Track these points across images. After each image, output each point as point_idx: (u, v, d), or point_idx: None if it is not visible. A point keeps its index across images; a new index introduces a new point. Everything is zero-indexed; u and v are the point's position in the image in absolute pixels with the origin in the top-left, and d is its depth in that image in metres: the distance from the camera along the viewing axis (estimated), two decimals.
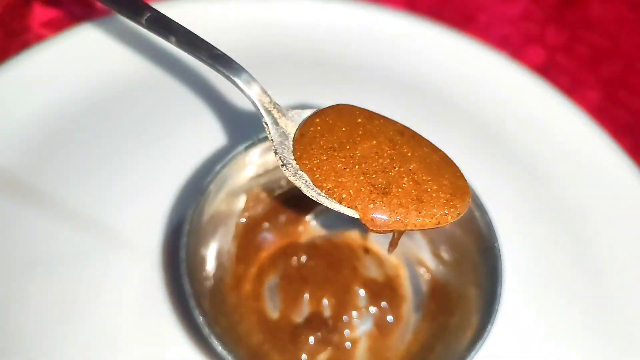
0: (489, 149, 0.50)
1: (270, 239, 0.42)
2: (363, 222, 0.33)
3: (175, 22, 0.37)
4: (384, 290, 0.42)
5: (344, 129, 0.35)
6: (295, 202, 0.43)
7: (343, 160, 0.34)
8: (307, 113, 0.36)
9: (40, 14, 0.49)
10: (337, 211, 0.33)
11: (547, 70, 0.58)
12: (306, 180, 0.33)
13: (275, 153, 0.34)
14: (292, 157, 0.34)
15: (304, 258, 0.42)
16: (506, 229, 0.42)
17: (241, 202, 0.41)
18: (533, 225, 0.46)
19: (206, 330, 0.33)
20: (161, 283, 0.40)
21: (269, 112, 0.36)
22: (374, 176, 0.33)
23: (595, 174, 0.49)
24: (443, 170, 0.34)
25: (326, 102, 0.37)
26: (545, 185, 0.48)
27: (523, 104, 0.52)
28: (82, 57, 0.47)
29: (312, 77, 0.51)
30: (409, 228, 0.33)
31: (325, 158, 0.34)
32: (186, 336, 0.38)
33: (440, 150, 0.36)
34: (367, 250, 0.43)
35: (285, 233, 0.43)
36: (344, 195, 0.33)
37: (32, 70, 0.45)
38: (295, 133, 0.35)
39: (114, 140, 0.45)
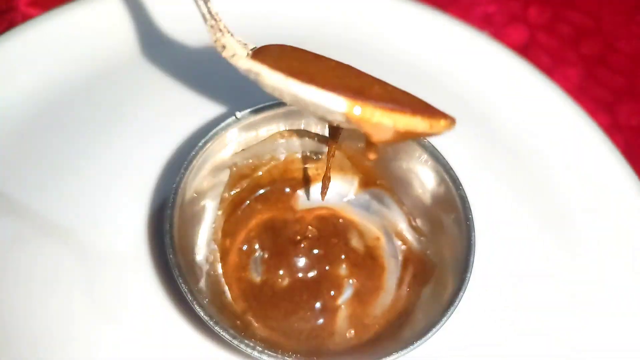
0: (468, 126, 0.50)
1: (255, 213, 0.44)
2: (348, 109, 0.27)
3: None
4: (365, 261, 0.43)
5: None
6: (279, 176, 0.44)
7: (315, 67, 0.31)
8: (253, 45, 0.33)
9: None
10: (310, 103, 0.27)
11: (529, 49, 0.59)
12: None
13: (231, 35, 0.32)
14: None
15: (288, 231, 0.44)
16: (483, 203, 0.44)
17: (225, 177, 0.42)
18: (511, 200, 0.48)
19: (189, 297, 0.35)
20: (148, 258, 0.41)
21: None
22: (353, 79, 0.31)
23: (573, 151, 0.50)
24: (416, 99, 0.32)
25: None
26: (523, 161, 0.50)
27: (503, 82, 0.53)
28: (67, 38, 0.48)
29: None
30: (400, 125, 0.28)
31: (297, 64, 0.31)
32: (173, 306, 0.40)
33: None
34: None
35: (270, 207, 0.44)
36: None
37: (18, 50, 0.47)
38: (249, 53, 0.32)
39: (99, 117, 0.46)
